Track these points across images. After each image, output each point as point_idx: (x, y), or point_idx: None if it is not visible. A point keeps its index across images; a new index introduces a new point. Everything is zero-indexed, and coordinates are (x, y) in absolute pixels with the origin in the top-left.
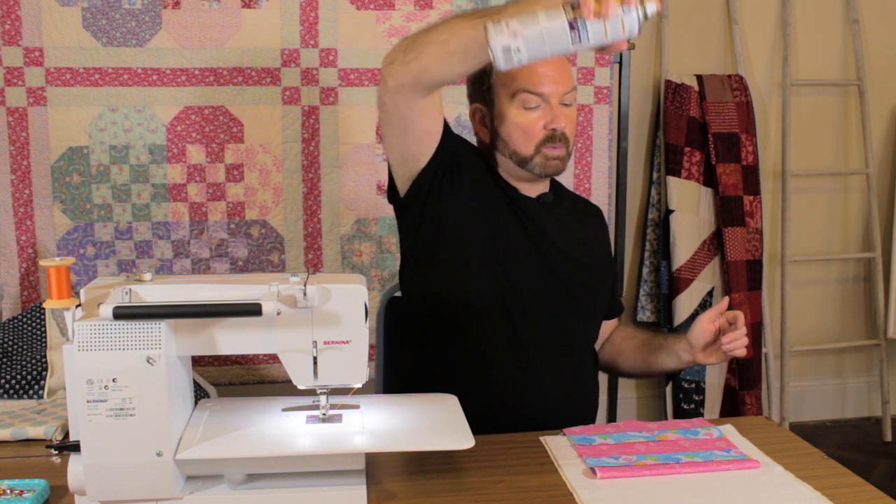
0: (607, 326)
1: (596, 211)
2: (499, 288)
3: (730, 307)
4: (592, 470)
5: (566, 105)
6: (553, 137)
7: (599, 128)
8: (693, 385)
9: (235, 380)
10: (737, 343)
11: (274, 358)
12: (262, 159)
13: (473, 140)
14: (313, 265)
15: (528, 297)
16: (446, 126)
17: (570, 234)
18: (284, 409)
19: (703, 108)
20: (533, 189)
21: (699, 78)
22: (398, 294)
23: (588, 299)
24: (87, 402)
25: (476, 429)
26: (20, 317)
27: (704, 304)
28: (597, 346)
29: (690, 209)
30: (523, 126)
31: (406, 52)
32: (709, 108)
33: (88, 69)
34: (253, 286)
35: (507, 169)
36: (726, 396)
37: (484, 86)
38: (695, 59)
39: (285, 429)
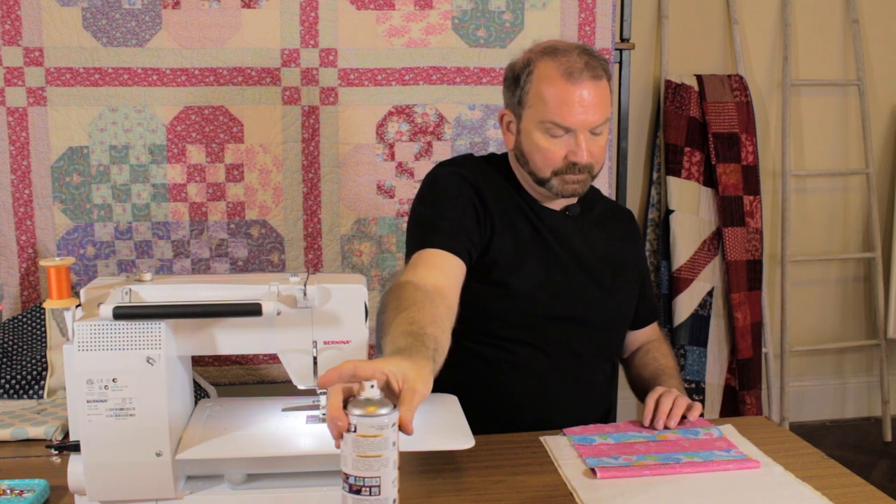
0: (640, 336)
1: (626, 216)
2: (502, 294)
3: (729, 307)
4: (592, 470)
5: (596, 134)
6: (572, 168)
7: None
8: (693, 385)
9: (235, 380)
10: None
11: (274, 358)
12: (262, 159)
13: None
14: (313, 265)
15: (535, 306)
16: (469, 249)
17: (593, 246)
18: (284, 409)
19: (703, 108)
20: (557, 202)
21: (699, 78)
22: None
23: (606, 312)
24: (87, 402)
25: (476, 429)
26: (20, 317)
27: (704, 304)
28: (626, 355)
29: (690, 209)
30: (545, 152)
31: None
32: (709, 108)
33: (88, 69)
34: (253, 286)
35: (526, 180)
36: (726, 396)
37: (515, 96)
38: (695, 59)
39: (285, 429)
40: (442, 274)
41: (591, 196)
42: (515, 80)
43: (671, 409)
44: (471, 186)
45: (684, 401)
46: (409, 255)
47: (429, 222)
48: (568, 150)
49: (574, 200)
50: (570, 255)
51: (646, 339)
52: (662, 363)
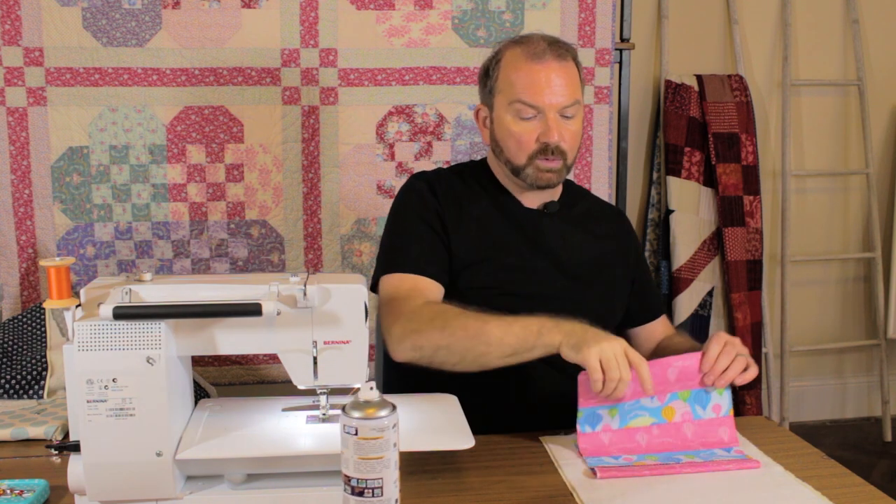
0: (655, 331)
1: (613, 215)
2: (494, 294)
3: (729, 307)
4: (592, 470)
5: (567, 117)
6: (545, 150)
7: (599, 128)
8: None
9: (235, 380)
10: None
11: (274, 358)
12: (262, 159)
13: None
14: (313, 265)
15: (523, 305)
16: (449, 250)
17: (572, 244)
18: (284, 409)
19: (703, 108)
20: (535, 198)
21: (699, 78)
22: None
23: (585, 309)
24: (87, 402)
25: (476, 429)
26: (20, 317)
27: (704, 304)
28: (648, 350)
29: (690, 209)
30: (517, 136)
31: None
32: (709, 108)
33: (88, 69)
34: (253, 286)
35: (506, 174)
36: None
37: (487, 87)
38: (695, 59)
39: (285, 429)
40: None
41: (576, 194)
42: (486, 72)
43: (727, 369)
44: (436, 201)
45: (743, 360)
46: (384, 269)
47: (403, 247)
48: (539, 132)
49: (554, 196)
50: (546, 255)
51: (662, 333)
52: (693, 343)
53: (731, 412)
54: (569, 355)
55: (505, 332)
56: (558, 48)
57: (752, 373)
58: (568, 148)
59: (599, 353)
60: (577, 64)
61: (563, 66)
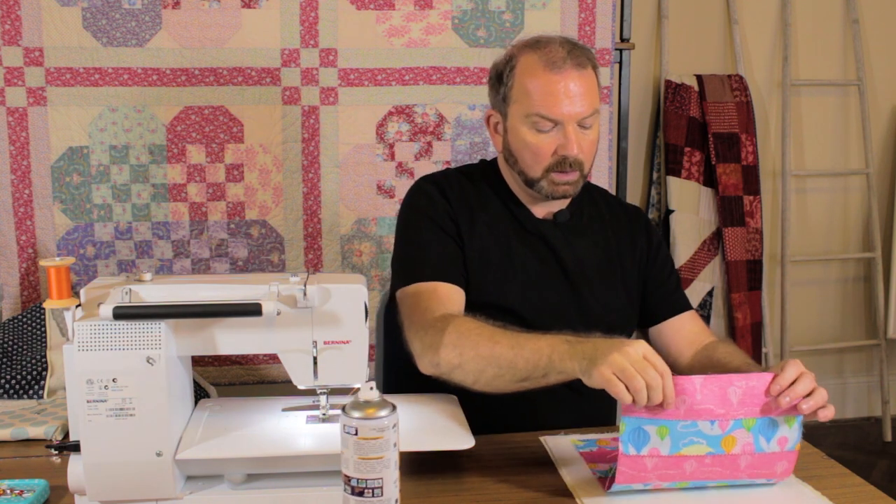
0: (674, 328)
1: (628, 215)
2: (497, 297)
3: (729, 307)
4: (600, 479)
5: (585, 128)
6: (562, 163)
7: (600, 128)
8: None
9: (235, 380)
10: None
11: (274, 358)
12: (262, 159)
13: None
14: (313, 265)
15: (527, 310)
16: (464, 262)
17: (581, 253)
18: (284, 409)
19: (703, 108)
20: (545, 208)
21: (699, 78)
22: None
23: (592, 319)
24: (87, 402)
25: (476, 429)
26: (20, 317)
27: (704, 304)
28: (683, 352)
29: (690, 209)
30: (533, 148)
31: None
32: (709, 108)
33: (88, 69)
34: (253, 286)
35: (518, 183)
36: None
37: (500, 94)
38: (695, 59)
39: (285, 429)
40: (459, 307)
41: (590, 197)
42: (499, 77)
43: (809, 395)
44: (447, 203)
45: (822, 394)
46: (402, 280)
47: (418, 255)
48: (557, 145)
49: (564, 204)
50: (555, 267)
51: (694, 333)
52: (745, 358)
53: (798, 447)
54: (588, 383)
55: (516, 354)
56: (577, 55)
57: (830, 412)
58: (585, 158)
59: (611, 366)
60: (596, 69)
61: (583, 74)
